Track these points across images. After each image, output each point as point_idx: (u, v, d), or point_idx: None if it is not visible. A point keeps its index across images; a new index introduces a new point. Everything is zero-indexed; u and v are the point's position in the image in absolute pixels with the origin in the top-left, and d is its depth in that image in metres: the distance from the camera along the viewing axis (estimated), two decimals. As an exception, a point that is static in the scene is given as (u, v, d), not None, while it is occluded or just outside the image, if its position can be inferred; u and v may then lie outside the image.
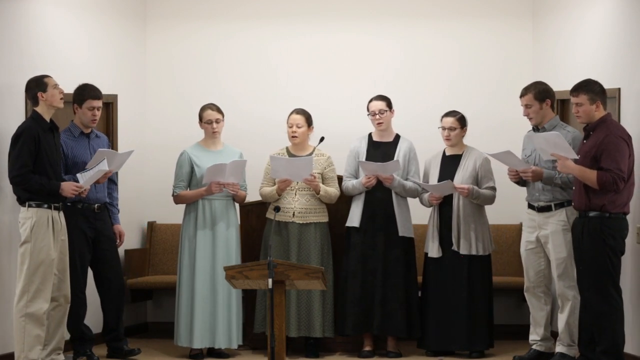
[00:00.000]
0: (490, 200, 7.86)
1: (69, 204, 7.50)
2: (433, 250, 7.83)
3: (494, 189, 7.87)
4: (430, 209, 7.94)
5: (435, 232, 7.83)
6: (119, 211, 7.97)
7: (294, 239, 7.87)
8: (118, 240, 7.93)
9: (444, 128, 7.90)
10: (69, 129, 7.68)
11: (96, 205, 7.68)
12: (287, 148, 8.03)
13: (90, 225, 7.66)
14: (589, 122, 7.00)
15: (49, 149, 7.12)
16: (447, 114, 7.93)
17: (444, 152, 8.00)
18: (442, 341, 7.85)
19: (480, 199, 7.79)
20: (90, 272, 7.81)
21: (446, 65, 9.06)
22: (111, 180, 7.87)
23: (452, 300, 7.79)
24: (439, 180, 7.84)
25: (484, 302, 7.84)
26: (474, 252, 7.78)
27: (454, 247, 7.77)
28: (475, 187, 7.78)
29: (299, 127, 7.92)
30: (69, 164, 7.54)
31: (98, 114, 7.66)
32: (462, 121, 7.91)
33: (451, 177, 7.82)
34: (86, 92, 7.61)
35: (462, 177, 7.83)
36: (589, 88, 6.96)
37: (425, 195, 7.89)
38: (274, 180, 7.90)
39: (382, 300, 7.83)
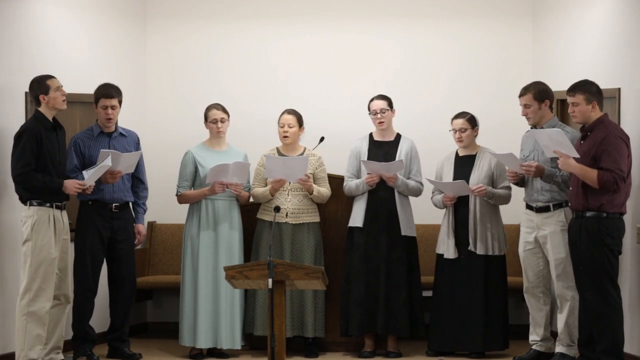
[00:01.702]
0: (506, 200, 7.84)
1: (89, 202, 7.55)
2: (449, 251, 7.81)
3: (509, 188, 7.83)
4: (444, 210, 7.91)
5: (451, 233, 7.81)
6: (145, 211, 7.97)
7: (287, 240, 7.87)
8: (136, 240, 7.93)
9: (454, 130, 7.88)
10: (91, 128, 7.75)
11: (114, 204, 7.69)
12: (277, 148, 8.04)
13: (107, 225, 7.68)
14: (584, 122, 7.00)
15: (51, 148, 7.14)
16: (457, 116, 7.90)
17: (456, 153, 7.98)
18: (456, 341, 7.82)
19: (495, 198, 7.77)
20: (104, 270, 7.82)
21: (446, 65, 9.06)
22: (138, 179, 7.91)
23: (468, 301, 7.77)
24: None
25: (500, 303, 7.82)
26: (490, 253, 7.76)
27: (471, 248, 7.75)
28: (490, 187, 7.76)
29: (290, 127, 7.93)
30: (86, 163, 7.58)
31: (112, 112, 7.68)
32: (472, 121, 7.88)
33: (466, 177, 7.80)
34: (99, 92, 7.68)
35: (477, 178, 7.81)
36: (586, 88, 6.97)
37: (439, 196, 7.88)
38: (265, 180, 7.90)
39: (385, 300, 7.83)
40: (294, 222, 7.87)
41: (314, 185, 7.89)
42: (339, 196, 8.01)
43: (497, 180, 7.84)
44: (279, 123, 7.99)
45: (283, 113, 7.99)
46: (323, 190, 7.94)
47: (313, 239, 7.92)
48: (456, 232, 7.81)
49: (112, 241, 7.73)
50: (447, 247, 7.83)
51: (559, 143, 6.94)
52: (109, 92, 7.66)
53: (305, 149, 8.01)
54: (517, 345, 8.07)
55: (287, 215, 7.87)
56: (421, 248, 8.26)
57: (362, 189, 7.90)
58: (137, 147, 7.88)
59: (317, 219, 7.98)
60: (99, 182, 7.44)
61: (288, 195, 7.90)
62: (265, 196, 7.89)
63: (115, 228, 7.72)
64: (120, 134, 7.82)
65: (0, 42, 7.52)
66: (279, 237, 7.88)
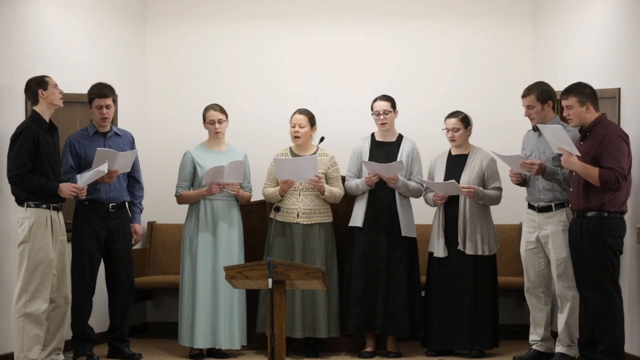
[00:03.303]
0: (496, 200, 7.85)
1: (86, 202, 7.54)
2: (439, 250, 7.82)
3: (500, 189, 7.85)
4: (435, 208, 7.93)
5: (441, 232, 7.82)
6: (141, 210, 7.97)
7: (298, 240, 7.85)
8: (133, 240, 7.93)
9: (447, 129, 7.89)
10: (85, 129, 7.73)
11: (110, 204, 7.68)
12: (290, 148, 8.03)
13: (103, 225, 7.67)
14: (581, 124, 7.01)
15: (47, 149, 7.13)
16: (450, 115, 7.91)
17: (449, 152, 7.99)
18: (446, 341, 7.83)
19: (485, 199, 7.78)
20: (101, 271, 7.82)
21: (446, 65, 9.06)
22: (134, 179, 7.91)
23: (457, 300, 7.78)
24: (445, 180, 7.83)
25: (489, 302, 7.83)
26: (479, 253, 7.77)
27: (460, 247, 7.76)
28: (480, 188, 7.76)
29: (301, 127, 7.92)
30: (82, 163, 7.56)
31: (107, 111, 7.66)
32: (465, 121, 7.89)
33: (457, 177, 7.81)
34: (92, 92, 7.66)
35: (468, 177, 7.82)
36: (579, 90, 6.97)
37: (430, 195, 7.89)
38: (276, 180, 7.89)
39: (384, 301, 7.83)
40: (305, 223, 7.86)
41: (326, 185, 7.88)
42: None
43: (487, 180, 7.85)
44: (290, 123, 7.97)
45: (295, 113, 7.97)
46: (335, 190, 7.92)
47: (324, 239, 7.89)
48: (447, 231, 7.82)
49: (108, 241, 7.72)
50: (437, 246, 7.84)
51: (561, 139, 6.95)
52: (103, 91, 7.64)
53: (318, 148, 7.99)
54: (517, 345, 8.08)
55: (298, 215, 7.85)
56: (421, 248, 8.25)
57: (362, 189, 7.90)
58: (132, 146, 7.87)
59: (329, 219, 7.96)
60: (95, 181, 7.43)
61: (300, 195, 7.89)
62: (275, 196, 7.88)
63: (112, 228, 7.72)
64: (115, 133, 7.81)
65: (0, 42, 7.52)
66: (290, 237, 7.86)
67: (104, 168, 7.30)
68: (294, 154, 7.95)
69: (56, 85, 7.18)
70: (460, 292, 7.78)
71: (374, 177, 7.80)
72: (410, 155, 7.94)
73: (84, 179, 7.26)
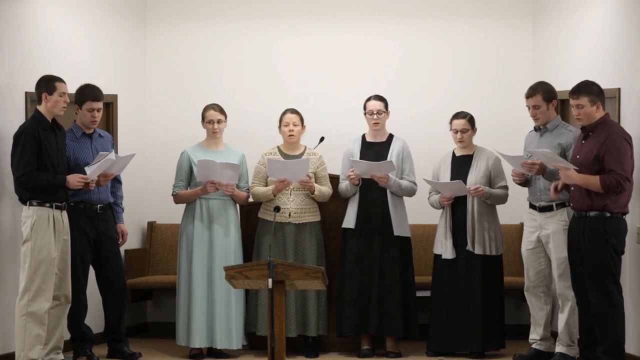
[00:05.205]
0: (503, 199, 7.84)
1: (71, 204, 7.51)
2: (447, 251, 7.80)
3: (506, 187, 7.84)
4: (439, 210, 7.90)
5: (449, 234, 7.80)
6: (123, 210, 7.97)
7: (290, 240, 7.87)
8: (121, 240, 7.93)
9: (455, 131, 7.87)
10: (71, 130, 7.67)
11: (98, 206, 7.67)
12: (278, 147, 8.04)
13: (92, 226, 7.66)
14: (589, 123, 7.00)
15: (49, 148, 7.12)
16: (457, 116, 7.87)
17: (453, 153, 7.97)
18: (454, 342, 7.81)
19: (492, 198, 7.77)
20: (92, 273, 7.81)
21: (446, 65, 9.06)
22: (115, 179, 7.87)
23: (467, 301, 7.76)
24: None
25: (497, 302, 7.82)
26: (488, 253, 7.76)
27: (469, 248, 7.74)
28: (487, 188, 7.75)
29: (295, 126, 7.93)
30: (72, 166, 7.52)
31: (98, 115, 7.65)
32: (472, 121, 7.88)
33: (463, 177, 7.79)
34: (85, 94, 7.59)
35: (475, 178, 7.81)
36: (589, 90, 6.96)
37: (436, 197, 7.86)
38: (265, 179, 7.90)
39: (378, 301, 7.83)
40: (297, 222, 7.87)
41: (315, 185, 7.89)
42: (339, 196, 8.01)
43: (494, 179, 7.84)
44: (281, 122, 7.97)
45: (286, 112, 7.98)
46: (324, 189, 7.94)
47: (315, 238, 7.92)
48: (454, 232, 7.81)
49: (97, 243, 7.71)
50: (444, 248, 7.82)
51: (554, 160, 6.99)
52: (97, 94, 7.60)
53: (305, 147, 8.01)
54: (517, 345, 8.07)
55: (289, 215, 7.86)
56: (421, 248, 8.25)
57: (351, 190, 7.89)
58: (113, 147, 7.85)
59: (317, 217, 7.98)
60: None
61: (290, 195, 7.90)
62: (267, 196, 7.89)
63: (100, 230, 7.70)
64: (99, 135, 7.80)
65: (0, 42, 7.52)
66: (282, 237, 7.88)
67: (112, 156, 7.29)
68: (282, 153, 7.96)
69: (64, 93, 7.14)
70: (469, 292, 7.76)
71: (352, 174, 7.77)
72: (400, 155, 7.93)
73: (93, 169, 7.25)
